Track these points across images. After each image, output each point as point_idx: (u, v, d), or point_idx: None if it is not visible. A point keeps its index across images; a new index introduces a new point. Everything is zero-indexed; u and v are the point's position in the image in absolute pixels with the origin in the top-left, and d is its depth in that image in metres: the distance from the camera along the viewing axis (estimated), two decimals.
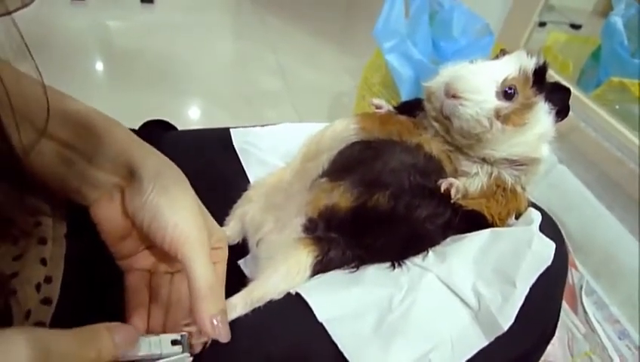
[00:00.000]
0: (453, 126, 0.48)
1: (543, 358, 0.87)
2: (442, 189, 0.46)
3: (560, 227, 1.16)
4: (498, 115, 0.46)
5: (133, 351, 0.32)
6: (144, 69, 1.69)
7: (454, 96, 0.46)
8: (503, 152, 0.48)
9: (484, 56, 1.18)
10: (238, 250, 0.52)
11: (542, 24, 1.97)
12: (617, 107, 1.23)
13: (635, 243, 1.08)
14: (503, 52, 0.52)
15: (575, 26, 1.98)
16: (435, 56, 1.18)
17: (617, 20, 1.36)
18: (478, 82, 0.46)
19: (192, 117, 1.61)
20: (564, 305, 1.04)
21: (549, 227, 0.50)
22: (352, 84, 1.47)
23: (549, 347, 0.87)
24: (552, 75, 1.35)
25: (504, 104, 0.46)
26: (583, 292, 1.11)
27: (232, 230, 0.52)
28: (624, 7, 1.39)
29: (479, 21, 1.16)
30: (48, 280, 0.40)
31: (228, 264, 0.44)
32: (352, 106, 1.49)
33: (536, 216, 0.49)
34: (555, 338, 0.54)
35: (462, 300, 0.42)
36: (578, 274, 1.12)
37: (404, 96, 1.07)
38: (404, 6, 1.07)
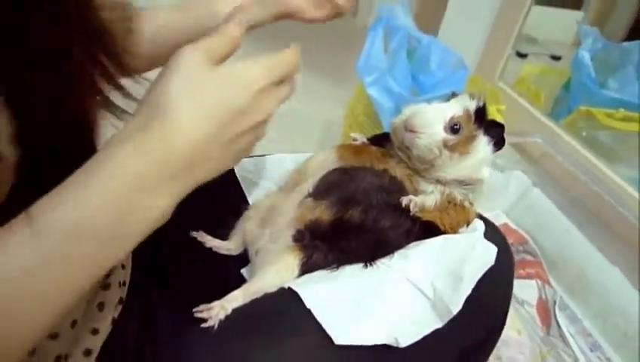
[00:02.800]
0: (412, 154, 0.58)
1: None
2: (404, 204, 0.55)
3: (535, 245, 1.25)
4: (446, 145, 0.56)
5: None
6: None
7: (411, 131, 0.56)
8: (452, 174, 0.58)
9: (459, 88, 1.28)
10: (241, 260, 0.61)
11: (523, 55, 2.08)
12: (584, 134, 1.32)
13: (603, 260, 1.15)
14: (454, 94, 0.62)
15: (555, 58, 2.08)
16: (414, 88, 1.27)
17: (585, 54, 1.46)
18: (430, 119, 0.57)
19: None
20: (537, 319, 1.10)
21: (496, 236, 0.59)
22: (341, 113, 1.57)
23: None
24: (524, 105, 1.45)
25: (451, 137, 0.57)
26: (556, 307, 1.17)
27: (235, 243, 0.62)
28: (591, 42, 1.50)
29: (454, 56, 1.26)
30: None
31: (232, 272, 0.56)
32: (340, 134, 1.58)
33: (480, 225, 0.58)
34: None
35: (421, 291, 0.51)
36: (551, 290, 1.19)
37: (385, 125, 1.16)
38: (383, 43, 1.17)
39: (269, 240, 0.58)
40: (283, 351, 0.45)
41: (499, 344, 1.04)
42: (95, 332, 0.44)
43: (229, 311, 0.48)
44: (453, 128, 0.57)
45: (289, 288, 0.49)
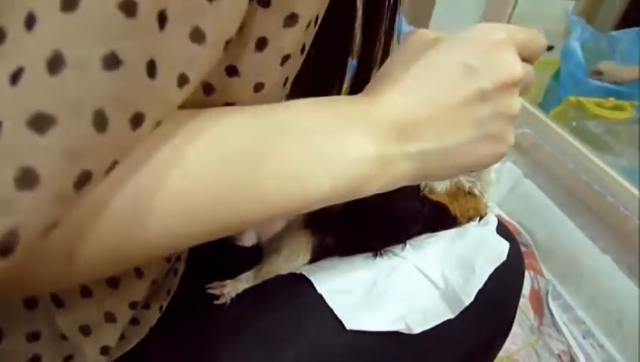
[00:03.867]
0: None
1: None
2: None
3: (527, 236, 1.26)
4: None
5: None
6: None
7: None
8: None
9: None
10: (255, 253, 0.61)
11: None
12: (574, 124, 1.33)
13: (595, 249, 1.17)
14: None
15: (548, 47, 2.10)
16: None
17: (574, 44, 1.47)
18: None
19: None
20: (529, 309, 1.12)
21: (506, 234, 0.59)
22: None
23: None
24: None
25: None
26: (549, 297, 1.19)
27: (248, 234, 0.62)
28: (580, 31, 1.51)
29: None
30: None
31: (248, 263, 0.56)
32: None
33: (493, 220, 0.58)
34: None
35: (432, 282, 0.51)
36: (544, 280, 1.21)
37: None
38: None
39: (280, 226, 0.58)
40: (298, 333, 0.46)
41: None
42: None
43: (241, 290, 0.49)
44: None
45: (301, 274, 0.50)
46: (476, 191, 0.59)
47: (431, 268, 0.52)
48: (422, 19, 1.83)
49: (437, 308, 0.50)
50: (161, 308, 0.45)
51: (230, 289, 0.49)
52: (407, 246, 0.54)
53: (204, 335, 0.46)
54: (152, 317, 0.44)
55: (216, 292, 0.48)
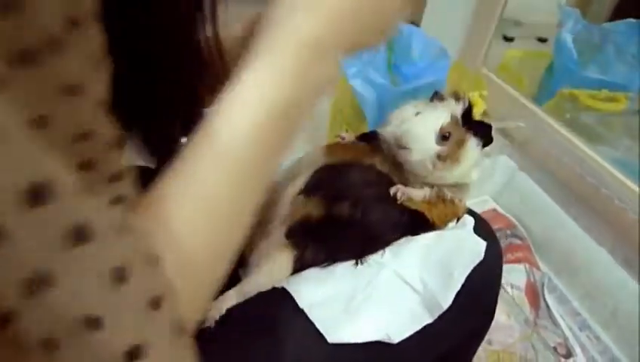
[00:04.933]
0: (404, 168, 0.59)
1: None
2: (392, 193, 0.56)
3: (523, 229, 1.26)
4: (439, 157, 0.57)
5: None
6: None
7: (404, 148, 0.57)
8: (441, 181, 0.59)
9: (442, 77, 1.27)
10: (238, 261, 0.62)
11: (510, 39, 2.08)
12: (568, 116, 1.33)
13: (590, 241, 1.17)
14: (439, 95, 0.63)
15: (542, 40, 2.09)
16: (396, 78, 1.28)
17: (566, 36, 1.47)
18: (421, 134, 0.57)
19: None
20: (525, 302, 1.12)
21: (484, 230, 0.60)
22: (327, 105, 1.57)
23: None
24: (508, 90, 1.46)
25: (443, 147, 0.57)
26: (545, 289, 1.19)
27: None
28: (572, 24, 1.50)
29: (436, 45, 1.26)
30: None
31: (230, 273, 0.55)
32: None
33: (470, 221, 0.59)
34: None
35: (412, 287, 0.52)
36: (539, 272, 1.21)
37: (369, 117, 1.16)
38: None
39: (263, 239, 0.59)
40: (280, 350, 0.46)
41: (490, 328, 1.06)
42: None
43: (224, 310, 0.49)
44: (444, 136, 0.57)
45: (282, 288, 0.50)
46: (456, 200, 0.60)
47: (410, 274, 0.52)
48: (415, 14, 1.83)
49: (417, 314, 0.51)
50: None
51: (213, 311, 0.49)
52: (387, 252, 0.55)
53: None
54: None
55: None
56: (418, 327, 0.49)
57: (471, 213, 0.63)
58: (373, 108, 1.15)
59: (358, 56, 1.15)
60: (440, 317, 0.50)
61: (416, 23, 1.53)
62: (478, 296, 0.57)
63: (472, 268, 0.54)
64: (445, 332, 0.53)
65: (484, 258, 0.55)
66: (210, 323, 0.47)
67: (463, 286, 0.52)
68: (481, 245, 0.56)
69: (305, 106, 0.34)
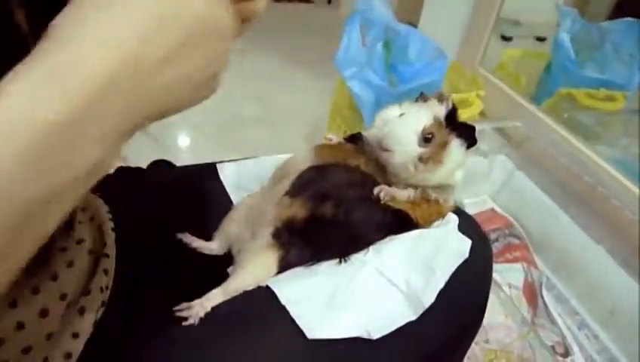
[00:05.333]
0: (387, 169, 0.59)
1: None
2: (375, 193, 0.56)
3: (520, 228, 1.26)
4: (421, 159, 0.57)
5: None
6: None
7: (386, 150, 0.57)
8: (424, 182, 0.59)
9: (439, 78, 1.28)
10: (226, 260, 0.62)
11: (508, 39, 2.08)
12: (566, 115, 1.34)
13: (588, 240, 1.17)
14: (423, 96, 0.63)
15: (540, 39, 2.09)
16: (394, 79, 1.28)
17: (564, 36, 1.47)
18: (403, 137, 0.57)
19: (180, 144, 1.73)
20: (523, 301, 1.12)
21: (472, 229, 0.60)
22: (327, 107, 1.57)
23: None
24: (505, 90, 1.46)
25: (425, 149, 0.57)
26: (543, 288, 1.19)
27: (218, 243, 0.64)
28: (570, 23, 1.51)
29: (433, 45, 1.27)
30: None
31: (218, 272, 0.58)
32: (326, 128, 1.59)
33: (454, 219, 0.59)
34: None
35: (394, 284, 0.52)
36: (537, 271, 1.21)
37: (366, 118, 1.17)
38: (360, 36, 1.17)
39: (250, 239, 0.59)
40: (260, 346, 0.46)
41: (487, 328, 1.06)
42: (75, 336, 0.44)
43: (209, 308, 0.50)
44: (426, 138, 0.57)
45: (266, 286, 0.51)
46: (441, 200, 0.60)
47: (393, 271, 0.52)
48: (412, 14, 1.83)
49: (398, 311, 0.50)
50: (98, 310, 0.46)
51: (198, 309, 0.49)
52: (370, 250, 0.55)
53: (168, 355, 0.46)
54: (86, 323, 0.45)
55: (184, 314, 0.49)
56: (400, 324, 0.49)
57: (459, 212, 0.63)
58: (371, 110, 1.16)
59: (356, 56, 1.15)
60: (425, 316, 0.50)
61: (413, 23, 1.53)
62: (465, 296, 0.57)
63: (456, 265, 0.54)
64: (430, 331, 0.53)
65: (472, 257, 0.55)
66: (195, 320, 0.48)
67: (449, 284, 0.52)
68: (466, 243, 0.56)
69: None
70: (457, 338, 0.61)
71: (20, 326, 0.39)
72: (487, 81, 1.50)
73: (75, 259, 0.46)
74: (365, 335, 0.48)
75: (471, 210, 1.30)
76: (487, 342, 1.02)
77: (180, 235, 0.63)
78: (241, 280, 0.53)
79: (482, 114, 1.39)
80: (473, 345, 1.01)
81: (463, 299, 0.57)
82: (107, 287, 0.50)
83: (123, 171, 0.68)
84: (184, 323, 0.48)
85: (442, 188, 0.60)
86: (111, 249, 0.53)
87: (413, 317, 0.50)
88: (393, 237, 0.57)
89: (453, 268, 0.53)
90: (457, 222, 0.59)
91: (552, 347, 1.06)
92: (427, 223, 0.59)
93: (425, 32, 1.44)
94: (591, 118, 1.34)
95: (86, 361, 0.44)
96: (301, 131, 1.82)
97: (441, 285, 0.52)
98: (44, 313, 0.41)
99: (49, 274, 0.42)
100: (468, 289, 0.57)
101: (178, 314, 0.49)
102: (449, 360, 0.63)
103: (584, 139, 1.24)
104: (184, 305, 0.50)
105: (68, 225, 0.48)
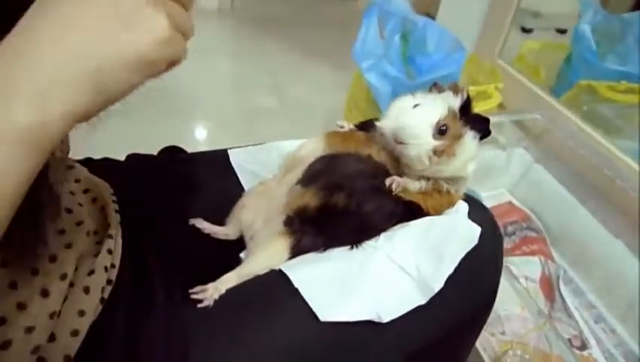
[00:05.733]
0: (402, 161, 0.59)
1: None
2: (387, 185, 0.57)
3: (538, 221, 1.26)
4: (435, 151, 0.57)
5: None
6: (154, 95, 1.78)
7: (401, 143, 0.57)
8: (437, 174, 0.59)
9: (457, 69, 1.27)
10: (239, 246, 0.64)
11: (528, 30, 2.06)
12: (585, 108, 1.32)
13: (606, 234, 1.16)
14: (437, 86, 0.63)
15: (561, 31, 2.06)
16: (411, 71, 1.28)
17: (585, 27, 1.45)
18: (418, 129, 0.57)
19: (197, 136, 1.74)
20: (540, 293, 1.12)
21: (482, 217, 0.60)
22: (343, 100, 1.58)
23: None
24: (524, 82, 1.45)
25: (439, 141, 0.57)
26: (560, 282, 1.19)
27: (231, 229, 0.65)
28: (592, 14, 1.48)
29: (451, 37, 1.26)
30: None
31: (231, 257, 0.60)
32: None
33: (464, 207, 0.60)
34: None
35: (404, 270, 0.53)
36: (554, 265, 1.21)
37: (383, 109, 1.17)
38: (378, 28, 1.18)
39: (262, 226, 0.61)
40: (272, 327, 0.48)
41: (503, 319, 1.06)
42: (82, 313, 0.45)
43: (223, 291, 0.51)
44: (441, 130, 0.57)
45: (279, 270, 0.52)
46: (452, 191, 0.60)
47: (403, 257, 0.53)
48: (431, 6, 1.82)
49: (408, 295, 0.52)
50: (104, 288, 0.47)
51: (212, 291, 0.51)
52: (381, 236, 0.56)
53: (182, 336, 0.48)
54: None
55: (199, 296, 0.50)
56: (409, 308, 0.50)
57: (469, 199, 0.64)
58: (388, 102, 1.16)
59: (373, 48, 1.15)
60: (434, 301, 0.51)
61: (431, 15, 1.53)
62: (475, 281, 0.58)
63: (465, 251, 0.55)
64: (440, 315, 0.54)
65: (482, 243, 0.56)
66: (210, 302, 0.50)
67: (459, 270, 0.53)
68: (475, 229, 0.57)
69: None
70: (467, 324, 0.62)
71: (21, 306, 0.40)
72: (505, 73, 1.49)
73: (74, 241, 0.48)
74: (376, 319, 0.49)
75: (488, 203, 1.30)
76: (503, 333, 1.02)
77: (192, 220, 0.64)
78: (255, 265, 0.55)
79: (501, 106, 1.38)
80: (489, 336, 1.02)
81: (473, 284, 0.58)
82: (113, 265, 0.51)
83: (134, 157, 0.70)
84: (199, 305, 0.50)
85: (454, 179, 0.60)
86: (115, 229, 0.54)
87: (423, 302, 0.51)
88: (404, 224, 0.58)
89: (463, 254, 0.54)
90: (467, 209, 0.59)
91: (569, 340, 1.06)
92: (438, 213, 0.60)
93: (443, 23, 1.43)
94: (611, 111, 1.32)
95: (95, 341, 0.45)
96: (317, 123, 1.82)
97: (451, 271, 0.53)
98: (44, 293, 0.42)
99: (47, 256, 0.44)
100: (478, 275, 0.58)
101: (193, 296, 0.51)
102: (458, 345, 0.64)
103: (604, 132, 1.23)
104: (199, 287, 0.52)
105: (68, 210, 0.50)
